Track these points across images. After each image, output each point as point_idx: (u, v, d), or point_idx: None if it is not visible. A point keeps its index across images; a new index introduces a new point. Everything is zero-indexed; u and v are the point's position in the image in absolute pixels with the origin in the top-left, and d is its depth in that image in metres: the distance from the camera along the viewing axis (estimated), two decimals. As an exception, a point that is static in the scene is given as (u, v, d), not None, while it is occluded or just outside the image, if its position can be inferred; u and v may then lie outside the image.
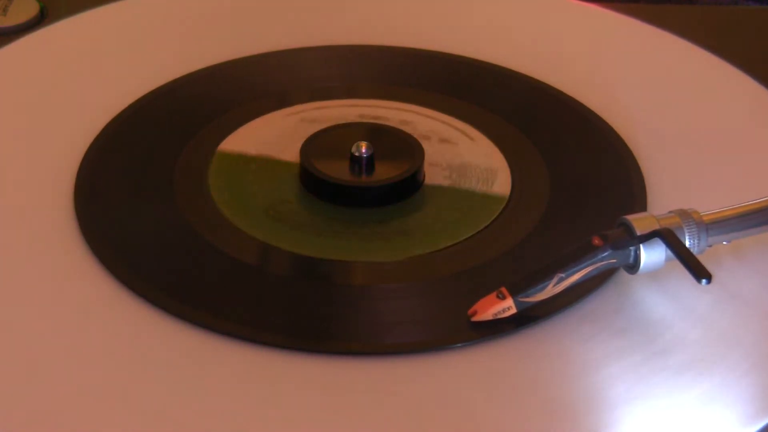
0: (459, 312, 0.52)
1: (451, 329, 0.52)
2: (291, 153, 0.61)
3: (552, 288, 0.51)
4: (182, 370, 0.50)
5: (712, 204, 0.54)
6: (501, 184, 0.61)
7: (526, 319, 0.52)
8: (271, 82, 0.68)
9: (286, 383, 0.50)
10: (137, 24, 0.73)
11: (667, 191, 0.60)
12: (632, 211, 0.54)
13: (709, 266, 0.51)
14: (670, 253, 0.52)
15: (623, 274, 0.54)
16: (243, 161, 0.62)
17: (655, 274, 0.53)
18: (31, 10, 0.74)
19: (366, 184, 0.60)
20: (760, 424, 0.49)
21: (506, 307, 0.51)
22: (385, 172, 0.60)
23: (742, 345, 0.52)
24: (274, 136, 0.64)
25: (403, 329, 0.53)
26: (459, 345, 0.51)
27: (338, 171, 0.60)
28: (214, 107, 0.65)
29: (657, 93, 0.68)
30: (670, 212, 0.54)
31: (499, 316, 0.51)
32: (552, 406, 0.49)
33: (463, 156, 0.62)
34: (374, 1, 0.76)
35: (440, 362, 0.51)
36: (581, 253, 0.52)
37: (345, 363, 0.51)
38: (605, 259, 0.52)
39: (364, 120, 0.64)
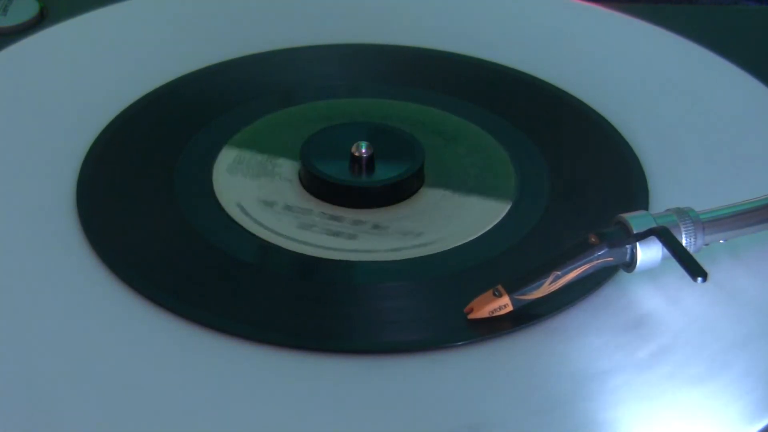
0: (459, 311, 0.52)
1: (451, 328, 0.52)
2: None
3: (548, 286, 0.51)
4: (183, 368, 0.50)
5: (714, 203, 0.54)
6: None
7: (524, 318, 0.52)
8: (273, 80, 0.68)
9: (286, 382, 0.50)
10: (137, 24, 0.73)
11: (669, 190, 0.60)
12: (634, 210, 0.54)
13: (705, 264, 0.51)
14: (666, 251, 0.52)
15: (620, 272, 0.54)
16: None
17: (652, 272, 0.53)
18: (31, 10, 0.74)
19: (366, 184, 0.60)
20: (759, 425, 0.49)
21: (503, 304, 0.51)
22: (385, 172, 0.60)
23: (739, 344, 0.52)
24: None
25: (402, 329, 0.53)
26: (459, 344, 0.51)
27: (338, 171, 0.60)
28: (214, 107, 0.65)
29: (658, 92, 0.68)
30: (668, 210, 0.54)
31: (496, 314, 0.51)
32: (550, 405, 0.49)
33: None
34: (375, 0, 0.76)
35: (440, 361, 0.51)
36: (578, 251, 0.52)
37: (345, 362, 0.51)
38: (602, 257, 0.52)
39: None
